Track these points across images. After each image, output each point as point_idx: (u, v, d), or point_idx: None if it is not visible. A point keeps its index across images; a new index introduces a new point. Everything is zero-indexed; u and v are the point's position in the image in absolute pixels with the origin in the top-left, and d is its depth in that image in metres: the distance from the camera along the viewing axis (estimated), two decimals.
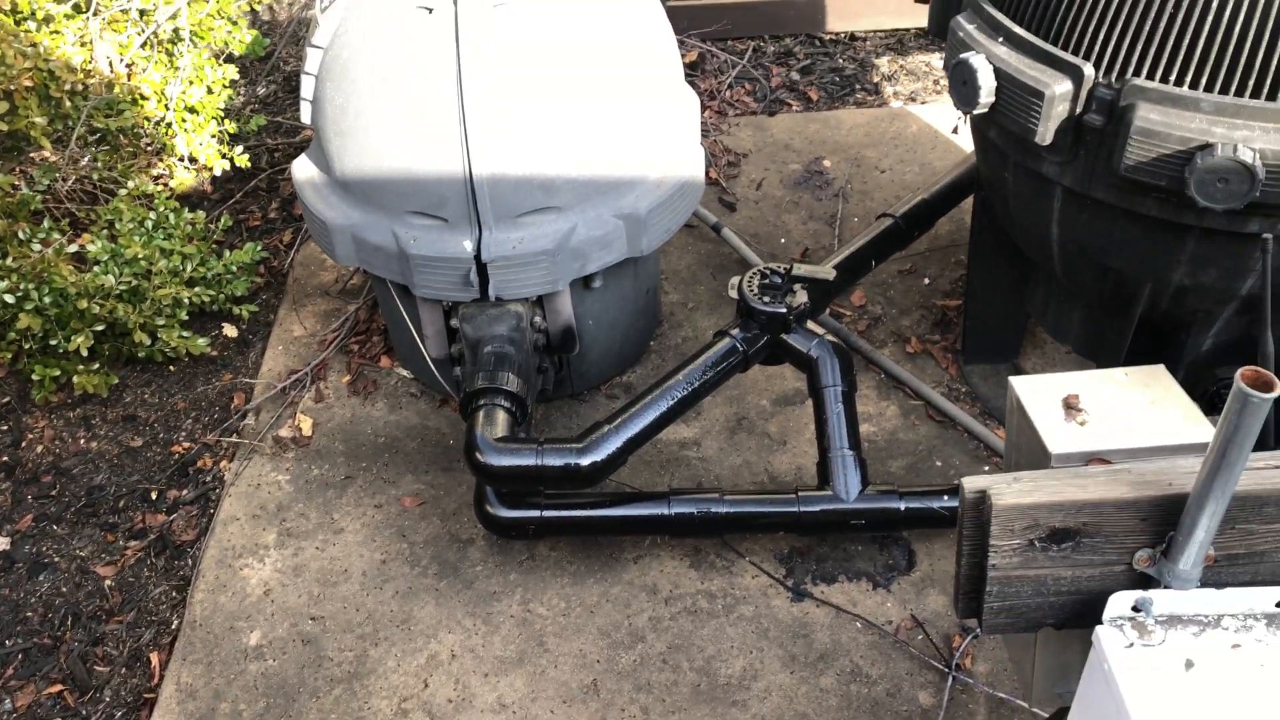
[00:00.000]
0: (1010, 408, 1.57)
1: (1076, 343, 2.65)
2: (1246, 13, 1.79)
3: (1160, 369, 1.56)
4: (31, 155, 3.55)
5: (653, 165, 2.66)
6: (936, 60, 4.52)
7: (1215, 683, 1.14)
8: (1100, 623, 1.21)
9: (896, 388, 2.99)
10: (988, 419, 2.88)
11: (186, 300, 3.09)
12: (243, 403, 3.10)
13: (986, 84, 2.08)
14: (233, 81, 3.61)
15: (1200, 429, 1.45)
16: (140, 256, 3.00)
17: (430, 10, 2.38)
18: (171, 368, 3.25)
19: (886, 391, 2.98)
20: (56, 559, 2.74)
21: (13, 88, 2.86)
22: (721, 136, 4.06)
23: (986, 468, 2.76)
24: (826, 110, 4.23)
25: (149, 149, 3.56)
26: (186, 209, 3.27)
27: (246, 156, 3.58)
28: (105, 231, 3.10)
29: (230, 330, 3.35)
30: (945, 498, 2.43)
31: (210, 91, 3.47)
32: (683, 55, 3.28)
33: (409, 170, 2.46)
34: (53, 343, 2.95)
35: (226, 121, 3.62)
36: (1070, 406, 1.49)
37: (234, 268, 3.25)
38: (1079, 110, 2.00)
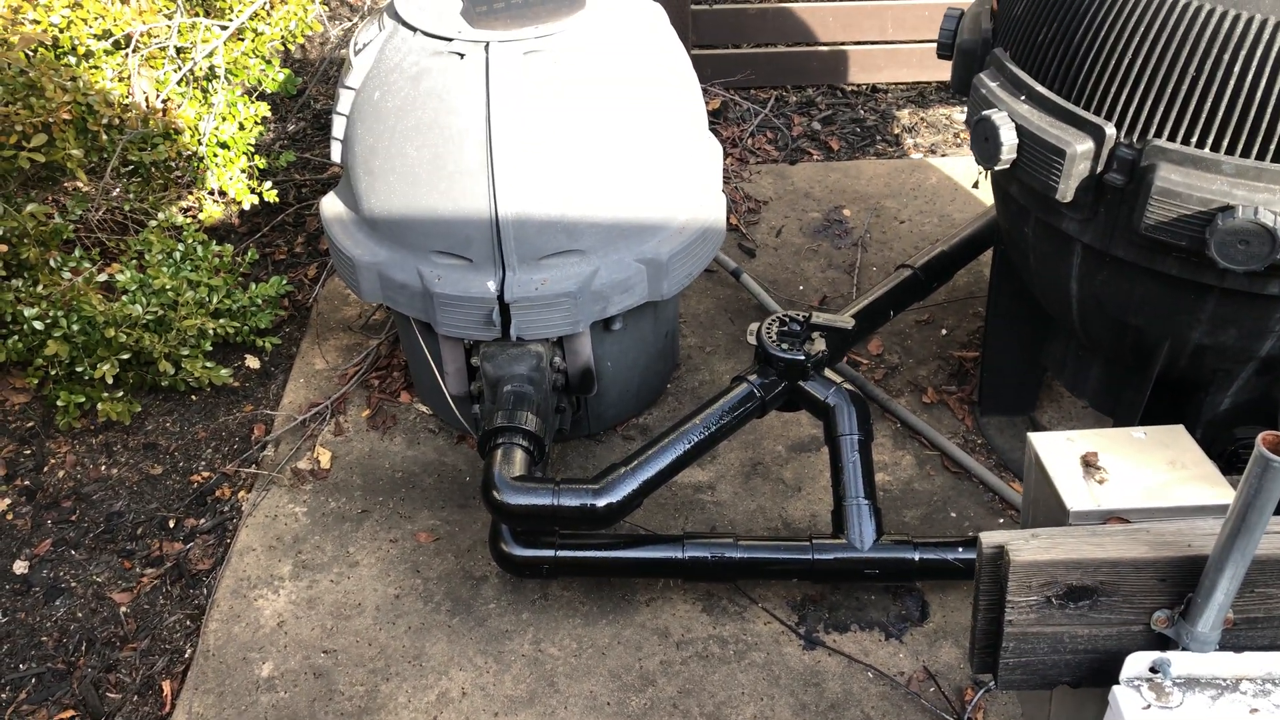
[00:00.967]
0: (1029, 464, 1.58)
1: (1094, 398, 2.65)
2: (1270, 77, 1.82)
3: (1180, 429, 1.56)
4: (65, 185, 3.62)
5: (675, 211, 2.70)
6: (957, 113, 4.56)
7: None
8: (1117, 683, 1.21)
9: (912, 437, 2.99)
10: (1003, 471, 2.88)
11: (211, 331, 3.14)
12: (263, 434, 3.13)
13: (1008, 141, 2.10)
14: (264, 118, 3.68)
15: (1220, 490, 1.45)
16: (168, 287, 3.05)
17: (462, 56, 2.44)
18: (194, 397, 3.28)
19: (902, 441, 2.99)
20: (73, 584, 2.75)
21: (51, 120, 2.92)
22: (742, 183, 4.11)
23: (1001, 520, 2.76)
24: (847, 160, 4.27)
25: (180, 182, 3.62)
26: (214, 241, 3.32)
27: (275, 192, 3.63)
28: (134, 262, 3.16)
29: (253, 362, 3.39)
30: (960, 549, 2.43)
31: (242, 128, 3.54)
32: (706, 103, 3.33)
33: (435, 210, 2.50)
34: (79, 369, 3.00)
35: (257, 157, 3.69)
36: (1089, 464, 1.49)
37: (259, 300, 3.30)
38: (1100, 169, 2.02)
